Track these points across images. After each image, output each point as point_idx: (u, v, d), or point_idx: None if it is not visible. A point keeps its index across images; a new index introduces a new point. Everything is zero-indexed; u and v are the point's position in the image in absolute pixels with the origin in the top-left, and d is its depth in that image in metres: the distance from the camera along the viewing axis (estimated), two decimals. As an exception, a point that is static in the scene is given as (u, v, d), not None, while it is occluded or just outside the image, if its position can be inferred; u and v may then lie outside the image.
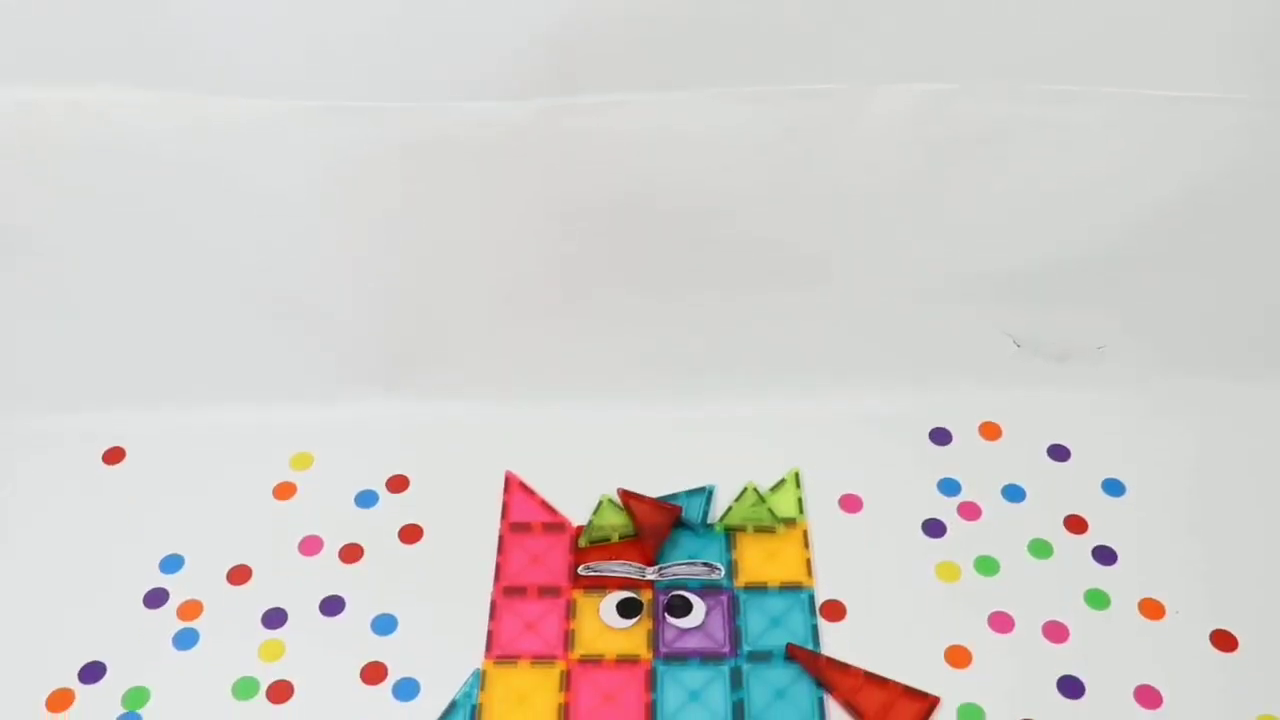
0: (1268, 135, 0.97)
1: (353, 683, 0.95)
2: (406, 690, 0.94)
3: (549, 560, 1.02)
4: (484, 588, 1.00)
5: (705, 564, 1.01)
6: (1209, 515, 1.04)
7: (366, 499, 1.07)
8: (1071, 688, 0.93)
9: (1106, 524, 1.04)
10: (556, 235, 1.03)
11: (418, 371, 1.12)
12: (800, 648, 0.96)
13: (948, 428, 1.11)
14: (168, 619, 0.99)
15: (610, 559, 1.01)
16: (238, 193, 1.00)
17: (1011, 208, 1.02)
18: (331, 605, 0.99)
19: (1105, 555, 1.01)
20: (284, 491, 1.08)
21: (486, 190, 1.00)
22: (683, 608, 0.98)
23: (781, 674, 0.94)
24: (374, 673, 0.95)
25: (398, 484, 1.08)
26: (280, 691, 0.94)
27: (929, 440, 1.11)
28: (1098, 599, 0.98)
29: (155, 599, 1.00)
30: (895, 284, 1.08)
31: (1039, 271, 1.06)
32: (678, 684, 0.94)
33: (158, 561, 1.03)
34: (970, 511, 1.05)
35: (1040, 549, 1.02)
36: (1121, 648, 0.95)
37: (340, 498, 1.07)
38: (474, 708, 0.93)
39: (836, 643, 0.96)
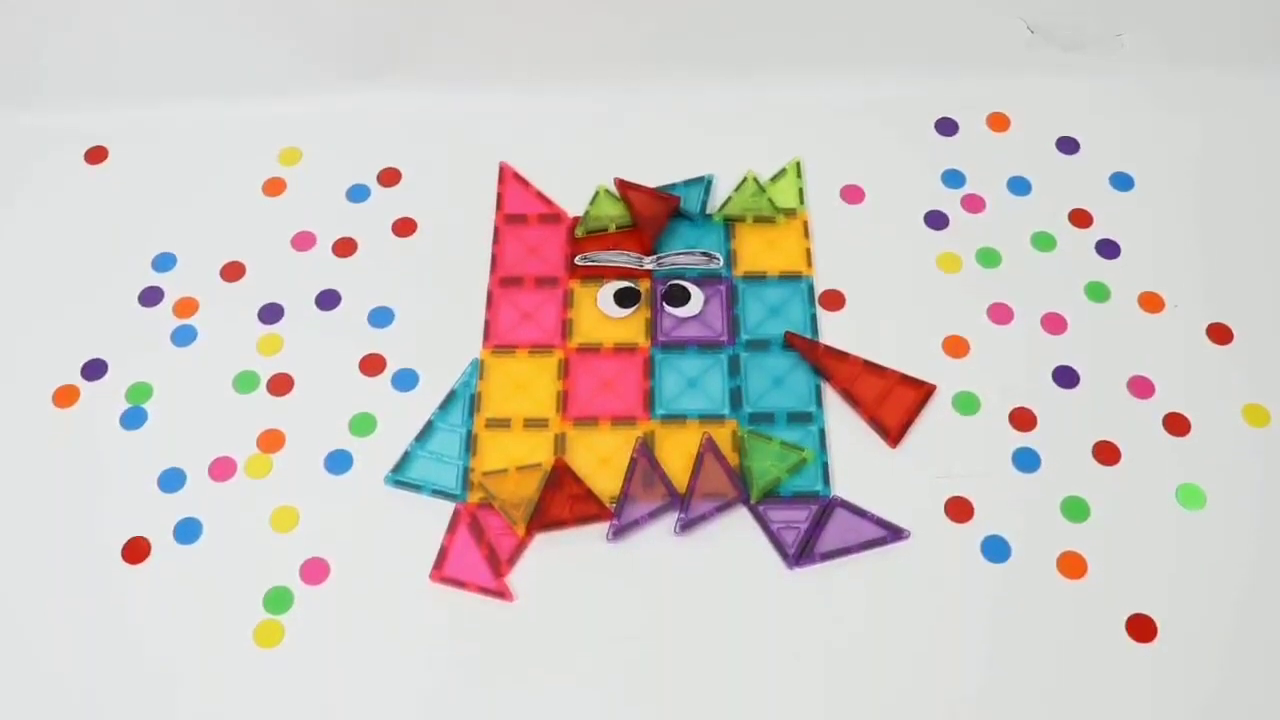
0: None
1: (352, 374, 0.95)
2: (405, 380, 0.95)
3: (545, 251, 1.01)
4: (480, 279, 1.00)
5: (704, 253, 1.00)
6: (1214, 210, 1.03)
7: (358, 193, 1.05)
8: (1066, 377, 0.93)
9: (1112, 217, 1.02)
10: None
11: (405, 61, 1.08)
12: (798, 336, 0.96)
13: (954, 118, 1.08)
14: (164, 316, 0.98)
15: (607, 249, 1.00)
16: None
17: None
18: (328, 299, 0.99)
19: (1108, 248, 1.00)
20: (273, 187, 1.05)
21: None
22: (681, 296, 0.97)
23: (779, 361, 0.95)
24: (372, 364, 0.95)
25: (389, 177, 1.06)
26: (281, 384, 0.95)
27: (934, 130, 1.08)
28: (1098, 291, 0.98)
29: (150, 297, 0.99)
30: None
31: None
32: (676, 371, 0.94)
33: (150, 260, 1.01)
34: (974, 203, 1.03)
35: (1043, 241, 1.01)
36: (1118, 339, 0.95)
37: (331, 192, 1.05)
38: (473, 396, 0.93)
39: (835, 331, 0.96)
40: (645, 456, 0.90)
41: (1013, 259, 1.00)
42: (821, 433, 0.91)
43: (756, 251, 1.00)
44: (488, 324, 0.97)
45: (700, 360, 0.95)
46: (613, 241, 1.01)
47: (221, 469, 0.90)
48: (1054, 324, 0.96)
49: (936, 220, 1.02)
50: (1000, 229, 1.01)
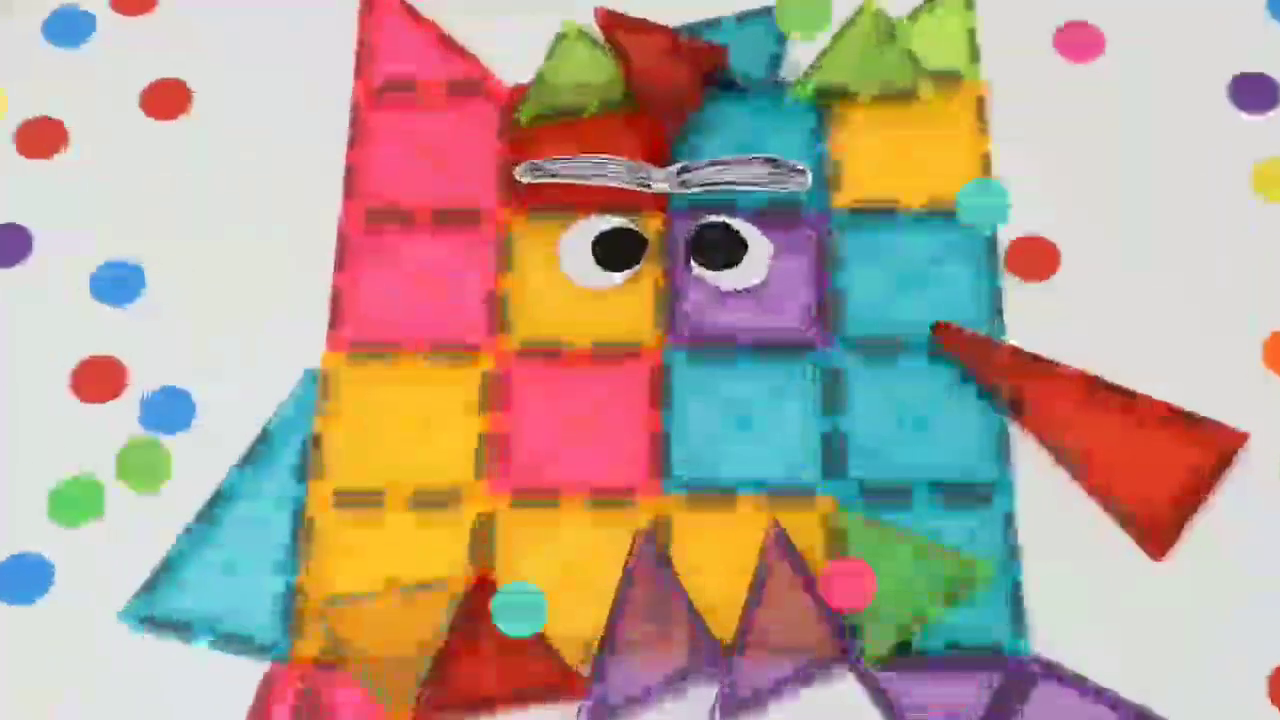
0: None
1: (57, 394, 0.95)
2: (167, 410, 0.94)
3: (456, 154, 1.01)
4: (325, 209, 1.00)
5: (771, 161, 0.95)
6: None
7: (69, 29, 1.08)
8: None
9: None
10: None
11: None
12: (960, 331, 0.94)
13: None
14: None
15: (581, 152, 0.98)
16: None
17: None
18: (10, 242, 1.00)
19: None
20: None
21: None
22: (725, 248, 0.94)
23: (924, 381, 0.93)
24: (99, 376, 0.95)
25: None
26: None
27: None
28: None
29: None
30: None
31: None
32: (713, 395, 0.92)
33: None
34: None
35: None
36: None
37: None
38: (306, 443, 0.93)
39: (1037, 321, 0.96)
40: (652, 566, 0.87)
41: None
42: (1008, 524, 0.89)
43: (881, 161, 1.00)
44: (337, 299, 0.96)
45: (762, 375, 0.93)
46: (591, 136, 0.97)
47: None
48: None
49: (1253, 94, 1.03)
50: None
